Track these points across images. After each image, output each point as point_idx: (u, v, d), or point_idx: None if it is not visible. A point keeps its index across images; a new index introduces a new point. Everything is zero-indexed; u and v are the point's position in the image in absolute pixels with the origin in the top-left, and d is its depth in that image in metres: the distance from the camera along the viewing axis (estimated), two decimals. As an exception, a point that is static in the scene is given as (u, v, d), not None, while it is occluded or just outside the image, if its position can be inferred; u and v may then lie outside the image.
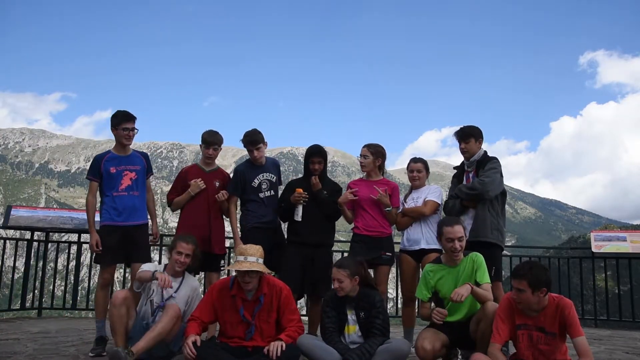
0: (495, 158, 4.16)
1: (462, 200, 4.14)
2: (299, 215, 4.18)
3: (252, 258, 3.32)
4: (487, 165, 4.11)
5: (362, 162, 4.40)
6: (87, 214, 4.18)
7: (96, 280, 4.32)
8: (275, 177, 4.46)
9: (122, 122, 4.12)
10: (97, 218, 4.22)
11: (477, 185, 4.02)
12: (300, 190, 4.17)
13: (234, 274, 3.47)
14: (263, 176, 4.40)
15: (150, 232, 4.44)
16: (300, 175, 4.56)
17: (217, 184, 4.37)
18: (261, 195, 4.36)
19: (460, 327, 3.43)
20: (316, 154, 4.35)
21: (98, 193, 4.21)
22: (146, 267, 3.72)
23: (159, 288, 3.56)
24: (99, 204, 4.26)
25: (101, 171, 4.14)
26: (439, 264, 3.65)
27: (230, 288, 3.43)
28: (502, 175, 4.17)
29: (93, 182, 4.18)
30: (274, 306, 3.40)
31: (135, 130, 4.17)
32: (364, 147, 4.46)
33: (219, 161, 4.58)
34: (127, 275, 5.55)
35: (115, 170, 4.14)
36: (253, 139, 4.29)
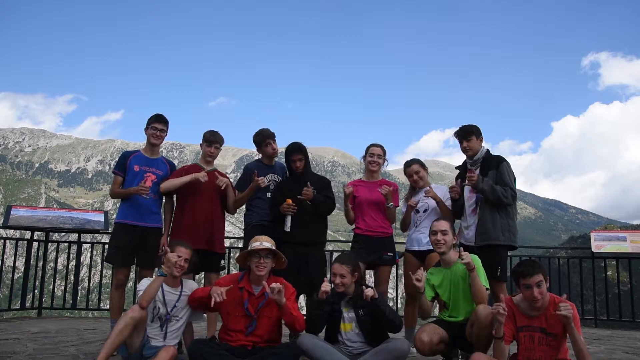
0: (506, 160, 4.11)
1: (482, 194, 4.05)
2: (287, 226, 4.14)
3: (267, 243, 3.45)
4: (502, 169, 4.05)
5: (379, 162, 4.42)
6: (119, 195, 4.27)
7: (96, 280, 4.30)
8: (281, 180, 4.54)
9: (153, 122, 4.33)
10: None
11: (507, 194, 3.97)
12: (290, 201, 4.13)
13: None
14: (272, 176, 4.50)
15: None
16: None
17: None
18: (268, 194, 4.43)
19: (460, 327, 3.45)
20: (296, 151, 4.33)
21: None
22: (145, 282, 3.44)
23: (164, 303, 3.43)
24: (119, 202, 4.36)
25: (126, 167, 4.28)
26: (437, 267, 3.73)
27: (239, 280, 3.47)
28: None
29: (118, 176, 4.31)
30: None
31: (165, 133, 4.40)
32: (377, 146, 4.46)
33: (219, 161, 4.59)
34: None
35: (139, 169, 4.27)
36: (271, 133, 4.52)
